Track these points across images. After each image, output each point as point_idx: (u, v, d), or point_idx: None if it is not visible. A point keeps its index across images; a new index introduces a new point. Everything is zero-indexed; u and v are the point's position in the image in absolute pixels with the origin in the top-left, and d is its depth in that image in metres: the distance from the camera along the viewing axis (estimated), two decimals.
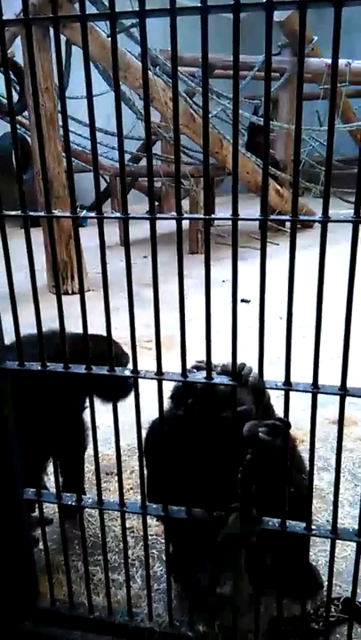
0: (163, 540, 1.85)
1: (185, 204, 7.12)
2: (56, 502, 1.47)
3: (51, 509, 1.94)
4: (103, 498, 1.48)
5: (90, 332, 1.32)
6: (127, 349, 1.31)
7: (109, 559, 1.79)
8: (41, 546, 1.56)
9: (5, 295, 1.32)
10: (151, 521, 1.88)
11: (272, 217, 1.14)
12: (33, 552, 1.60)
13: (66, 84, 6.69)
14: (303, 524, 1.33)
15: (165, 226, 1.13)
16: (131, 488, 2.17)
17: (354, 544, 1.32)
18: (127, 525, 1.49)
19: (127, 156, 8.05)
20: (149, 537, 1.81)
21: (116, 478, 1.44)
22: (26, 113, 6.11)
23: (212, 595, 1.28)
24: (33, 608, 1.58)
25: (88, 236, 1.93)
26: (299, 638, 1.42)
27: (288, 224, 1.09)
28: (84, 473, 1.90)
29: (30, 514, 1.69)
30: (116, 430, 1.39)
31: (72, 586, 1.57)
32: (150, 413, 1.44)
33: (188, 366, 1.33)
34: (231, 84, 1.08)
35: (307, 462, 1.35)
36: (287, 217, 1.11)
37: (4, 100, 5.41)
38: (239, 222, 1.14)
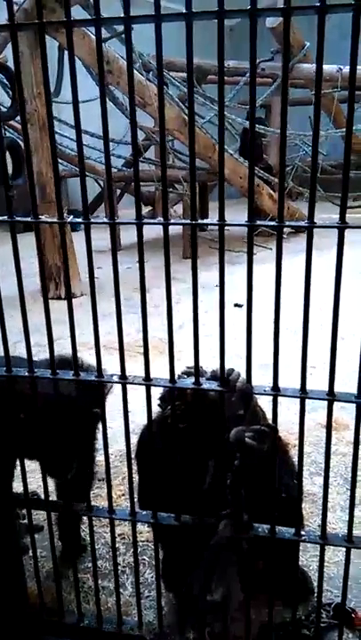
0: (153, 547, 1.83)
1: (179, 208, 7.13)
2: (108, 517, 1.44)
3: (41, 516, 1.92)
4: (94, 504, 1.47)
5: (82, 337, 1.31)
6: (117, 354, 1.30)
7: (100, 566, 1.78)
8: (30, 553, 1.54)
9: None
10: (142, 527, 1.87)
11: (258, 222, 1.14)
12: (22, 560, 1.59)
13: (59, 89, 6.73)
14: (293, 530, 1.32)
15: (157, 230, 1.12)
16: (123, 494, 2.15)
17: (345, 549, 1.31)
18: (118, 532, 1.48)
19: (121, 161, 8.05)
20: (140, 543, 1.80)
21: (106, 484, 1.42)
22: (19, 118, 6.12)
23: (204, 602, 1.27)
24: (22, 616, 1.56)
25: (82, 241, 1.93)
26: None
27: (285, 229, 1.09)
28: (92, 482, 1.84)
29: (19, 521, 1.68)
30: (104, 437, 1.38)
31: (62, 594, 1.56)
32: (141, 419, 1.44)
33: (178, 372, 1.32)
34: (226, 89, 1.09)
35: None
36: (273, 223, 1.11)
37: None
38: (233, 227, 1.14)
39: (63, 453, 1.45)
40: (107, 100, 1.14)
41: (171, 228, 1.16)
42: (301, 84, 7.53)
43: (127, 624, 1.53)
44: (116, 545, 1.48)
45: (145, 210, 8.13)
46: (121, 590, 1.54)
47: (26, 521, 1.57)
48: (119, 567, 1.58)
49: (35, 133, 4.68)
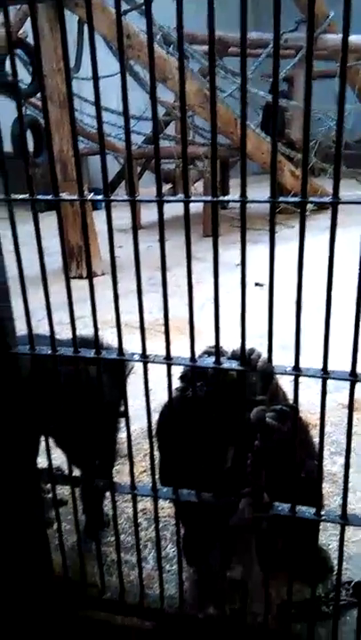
0: (174, 522, 1.86)
1: (199, 185, 7.04)
2: (130, 493, 1.46)
3: (65, 490, 1.97)
4: (116, 480, 1.50)
5: (102, 316, 1.32)
6: (137, 333, 1.30)
7: (122, 540, 1.82)
8: (55, 527, 1.58)
9: (17, 279, 1.33)
10: (164, 503, 1.90)
11: (281, 199, 1.11)
12: (47, 533, 1.63)
13: (79, 65, 6.64)
14: (313, 510, 1.32)
15: (178, 208, 1.11)
16: (144, 471, 2.18)
17: None
18: (140, 507, 1.51)
19: (141, 138, 7.95)
20: (162, 518, 1.83)
21: (128, 461, 1.45)
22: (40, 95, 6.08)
23: (223, 578, 1.29)
24: (47, 587, 1.61)
25: (103, 219, 1.92)
26: (309, 621, 1.43)
27: (308, 205, 1.07)
28: (114, 459, 1.88)
29: (44, 496, 1.72)
30: (126, 415, 1.39)
31: (85, 566, 1.60)
32: (161, 398, 1.44)
33: (199, 351, 1.32)
34: (248, 62, 1.05)
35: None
36: (296, 199, 1.08)
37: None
38: (255, 205, 1.12)
39: (86, 440, 1.47)
40: (126, 74, 1.12)
41: (191, 205, 1.15)
42: (326, 56, 7.27)
43: (149, 597, 1.56)
44: (138, 520, 1.50)
45: (165, 188, 8.06)
46: (143, 564, 1.57)
47: (50, 495, 1.61)
48: (141, 542, 1.61)
49: (55, 110, 4.65)
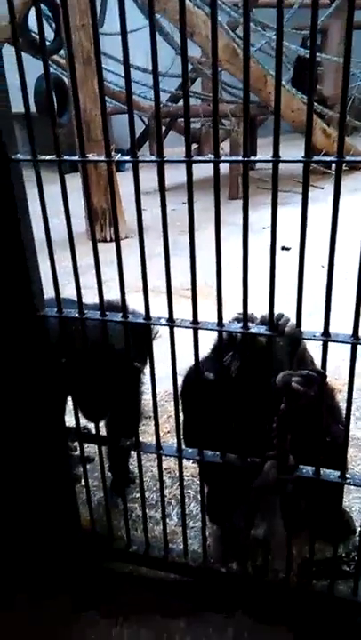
0: (198, 481, 1.90)
1: (225, 145, 6.86)
2: (156, 453, 1.50)
3: (92, 449, 2.02)
4: (142, 440, 1.53)
5: (127, 280, 1.32)
6: (164, 297, 1.30)
7: (147, 497, 1.87)
8: (82, 483, 1.64)
9: (43, 242, 1.33)
10: (187, 463, 1.94)
11: (315, 158, 1.07)
12: (75, 488, 1.69)
13: (102, 20, 6.43)
14: (337, 473, 1.34)
15: (204, 170, 1.08)
16: (168, 432, 2.23)
17: None
18: (164, 466, 1.54)
19: (166, 96, 7.73)
20: (185, 477, 1.87)
21: (154, 422, 1.47)
22: (63, 52, 5.92)
23: (247, 537, 1.32)
24: (75, 540, 1.69)
25: (127, 182, 1.88)
26: (329, 579, 1.47)
27: (334, 166, 1.03)
28: (139, 420, 1.90)
29: (72, 453, 1.77)
30: (152, 376, 1.41)
31: (112, 521, 1.65)
32: (186, 363, 1.45)
33: (227, 317, 1.31)
34: (276, 13, 1.00)
35: (344, 412, 1.34)
36: (332, 158, 1.04)
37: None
38: (281, 165, 1.08)
39: (98, 398, 1.50)
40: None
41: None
42: None
43: (173, 551, 1.62)
44: (163, 478, 1.54)
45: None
46: (167, 520, 1.62)
47: (78, 453, 1.65)
48: (165, 499, 1.66)
49: (79, 68, 4.54)
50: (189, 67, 7.16)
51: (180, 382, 1.45)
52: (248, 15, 1.02)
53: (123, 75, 1.16)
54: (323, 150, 6.33)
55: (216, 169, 1.11)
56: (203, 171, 1.14)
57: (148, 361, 1.47)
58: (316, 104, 6.71)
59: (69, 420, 1.67)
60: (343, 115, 1.03)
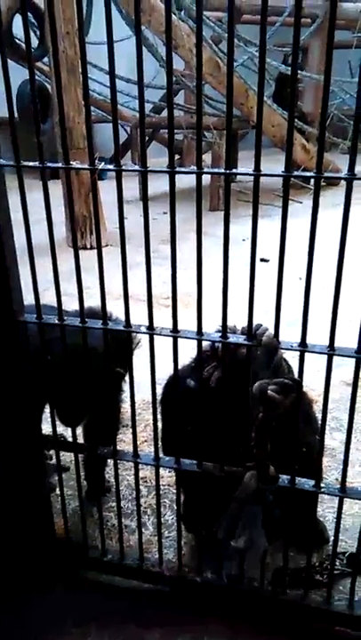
0: (174, 490, 1.90)
1: (207, 157, 6.94)
2: (133, 461, 1.49)
3: (68, 457, 2.00)
4: (118, 448, 1.53)
5: (107, 287, 1.32)
6: (143, 305, 1.31)
7: (123, 506, 1.86)
8: (58, 492, 1.62)
9: (24, 248, 1.32)
10: (163, 472, 1.94)
11: (296, 173, 1.10)
12: (50, 497, 1.67)
13: (87, 28, 6.46)
14: (312, 482, 1.35)
15: (186, 181, 1.10)
16: (145, 440, 2.22)
17: None
18: (140, 475, 1.54)
19: (148, 106, 7.78)
20: (161, 487, 1.87)
21: (131, 430, 1.47)
22: (46, 59, 5.92)
23: (227, 548, 1.33)
24: (49, 549, 1.66)
25: (108, 190, 1.89)
26: (303, 588, 1.48)
27: (313, 181, 1.06)
28: (117, 428, 1.87)
29: (48, 461, 1.75)
30: (131, 384, 1.41)
31: (87, 530, 1.64)
32: (165, 372, 1.46)
33: (207, 328, 1.32)
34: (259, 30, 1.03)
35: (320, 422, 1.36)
36: (311, 174, 1.07)
37: (24, 46, 5.23)
38: (261, 179, 1.10)
39: (77, 404, 1.49)
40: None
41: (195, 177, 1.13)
42: (342, 25, 7.06)
43: (148, 561, 1.61)
44: (139, 487, 1.54)
45: None
46: (143, 529, 1.61)
47: (54, 461, 1.64)
48: (141, 508, 1.65)
49: (62, 76, 4.54)
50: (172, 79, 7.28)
51: (159, 390, 1.46)
52: (233, 30, 1.05)
53: (106, 84, 1.17)
54: (302, 165, 6.46)
55: (199, 180, 1.13)
56: (183, 182, 1.16)
57: (128, 369, 1.47)
58: (296, 120, 6.85)
59: (45, 428, 1.65)
60: (323, 131, 1.06)
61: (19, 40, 5.55)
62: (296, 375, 1.27)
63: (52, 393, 1.56)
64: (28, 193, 1.27)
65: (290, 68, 1.07)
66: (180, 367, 1.37)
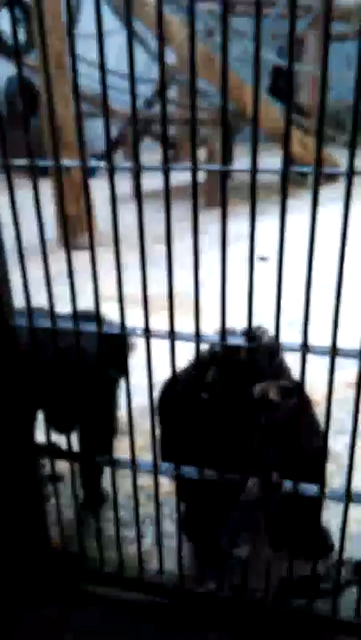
0: (174, 499, 1.86)
1: (201, 153, 6.87)
2: (130, 468, 1.46)
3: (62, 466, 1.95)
4: (115, 456, 1.48)
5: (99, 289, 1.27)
6: (138, 308, 1.26)
7: (121, 516, 1.81)
8: (53, 501, 1.57)
9: (14, 250, 1.27)
10: (163, 480, 1.89)
11: (294, 169, 1.05)
12: (45, 507, 1.62)
13: (75, 21, 6.36)
14: (316, 487, 1.31)
15: (179, 177, 1.05)
16: (142, 447, 2.17)
17: None
18: (139, 484, 1.49)
19: (139, 101, 7.70)
20: (161, 495, 1.83)
21: (128, 437, 1.43)
22: (33, 54, 5.83)
23: (229, 556, 1.29)
24: (45, 559, 1.62)
25: (98, 188, 1.83)
26: (308, 598, 1.44)
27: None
28: (113, 435, 1.82)
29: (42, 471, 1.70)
30: (127, 392, 1.37)
31: (84, 541, 1.59)
32: (162, 375, 1.41)
33: (206, 328, 1.28)
34: (253, 21, 0.98)
35: (323, 425, 1.32)
36: (310, 169, 1.02)
37: (10, 41, 5.15)
38: (259, 175, 1.06)
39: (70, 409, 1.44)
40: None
41: (190, 174, 1.08)
42: (338, 17, 6.98)
43: (148, 572, 1.57)
44: (138, 496, 1.49)
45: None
46: (142, 540, 1.57)
47: (48, 470, 1.59)
48: (140, 517, 1.60)
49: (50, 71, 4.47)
50: None
51: (157, 394, 1.41)
52: (227, 23, 0.99)
53: (94, 78, 1.12)
54: (300, 160, 6.39)
55: (194, 177, 1.08)
56: (176, 179, 1.11)
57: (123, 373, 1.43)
58: (293, 114, 6.79)
59: (39, 436, 1.60)
60: (321, 126, 1.02)
61: (4, 35, 5.47)
62: (297, 377, 1.23)
63: (44, 398, 1.51)
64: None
65: (285, 60, 1.02)
66: (177, 371, 1.33)
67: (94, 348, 1.32)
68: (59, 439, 1.70)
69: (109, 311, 1.38)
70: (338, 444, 2.13)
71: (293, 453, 1.27)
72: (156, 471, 1.43)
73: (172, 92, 8.18)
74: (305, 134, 6.82)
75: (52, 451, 1.53)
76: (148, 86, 6.96)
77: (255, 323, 1.23)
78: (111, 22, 5.47)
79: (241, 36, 6.41)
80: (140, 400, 1.65)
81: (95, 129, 1.16)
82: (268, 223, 1.14)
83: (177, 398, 1.34)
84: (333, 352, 1.17)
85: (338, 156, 6.12)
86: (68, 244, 1.28)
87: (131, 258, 1.29)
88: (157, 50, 1.01)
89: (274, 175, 1.07)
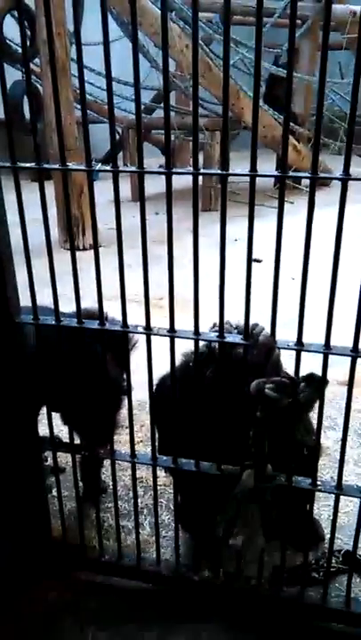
0: (171, 490, 1.91)
1: (199, 158, 6.93)
2: (130, 461, 1.49)
3: (63, 458, 2.00)
4: (115, 449, 1.53)
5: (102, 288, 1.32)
6: (139, 307, 1.31)
7: (120, 507, 1.86)
8: (54, 493, 1.62)
9: (19, 250, 1.32)
10: (160, 472, 1.94)
11: (291, 174, 1.11)
12: (47, 498, 1.66)
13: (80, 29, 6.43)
14: (309, 480, 1.37)
15: (178, 181, 1.10)
16: (140, 441, 2.22)
17: (356, 500, 1.36)
18: (137, 475, 1.54)
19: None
20: (158, 487, 1.88)
21: (127, 431, 1.47)
22: (37, 60, 5.89)
23: (225, 546, 1.34)
24: (46, 548, 1.66)
25: (99, 191, 1.87)
26: (300, 586, 1.49)
27: (305, 182, 1.07)
28: (114, 428, 1.84)
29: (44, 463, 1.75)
30: (128, 385, 1.42)
31: (84, 530, 1.64)
32: (161, 372, 1.46)
33: (203, 327, 1.33)
34: (251, 31, 1.04)
35: (314, 421, 1.37)
36: (307, 174, 1.08)
37: (14, 47, 5.20)
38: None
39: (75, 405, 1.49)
40: (127, 40, 1.10)
41: (187, 179, 1.14)
42: (332, 27, 7.07)
43: (145, 560, 1.62)
44: (136, 487, 1.54)
45: (163, 160, 7.92)
46: (140, 530, 1.62)
47: (50, 462, 1.64)
48: (138, 508, 1.65)
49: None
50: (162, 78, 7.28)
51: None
52: (228, 32, 1.06)
53: (96, 84, 1.17)
54: (293, 166, 6.48)
55: (195, 181, 1.14)
56: (175, 183, 1.17)
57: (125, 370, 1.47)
58: None
59: (42, 429, 1.65)
60: (318, 133, 1.08)
61: (9, 41, 5.52)
62: (292, 374, 1.28)
63: (49, 394, 1.55)
64: (11, 194, 1.26)
65: (280, 69, 1.08)
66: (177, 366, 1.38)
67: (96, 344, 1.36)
68: (60, 432, 1.75)
69: (109, 310, 1.43)
70: (329, 439, 2.20)
71: (288, 447, 1.32)
72: (154, 463, 1.47)
73: (171, 99, 8.26)
74: (298, 141, 6.91)
75: (55, 443, 1.58)
76: (146, 93, 7.03)
77: (251, 322, 1.28)
78: (113, 30, 5.54)
79: (238, 45, 6.50)
80: (139, 395, 1.71)
81: (93, 135, 1.21)
82: (260, 226, 1.20)
83: (174, 396, 1.39)
84: (328, 349, 1.22)
85: (329, 164, 6.21)
86: (73, 245, 1.33)
87: (131, 258, 1.34)
88: (158, 58, 1.07)
89: (268, 180, 1.13)
